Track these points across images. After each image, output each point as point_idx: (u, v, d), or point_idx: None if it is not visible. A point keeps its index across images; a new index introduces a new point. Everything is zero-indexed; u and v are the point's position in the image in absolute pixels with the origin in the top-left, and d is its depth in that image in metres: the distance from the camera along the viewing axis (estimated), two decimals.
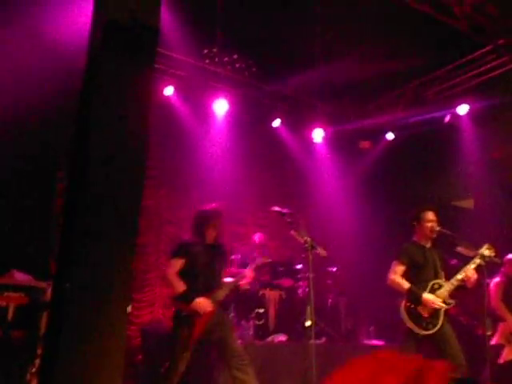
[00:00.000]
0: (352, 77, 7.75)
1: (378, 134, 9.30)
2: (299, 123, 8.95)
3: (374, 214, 8.77)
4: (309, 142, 9.23)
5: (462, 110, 7.78)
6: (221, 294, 4.50)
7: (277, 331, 6.42)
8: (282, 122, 8.68)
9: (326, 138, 9.27)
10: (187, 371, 4.40)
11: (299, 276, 7.19)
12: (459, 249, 4.85)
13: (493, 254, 4.78)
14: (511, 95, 7.00)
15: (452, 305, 4.74)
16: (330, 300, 7.49)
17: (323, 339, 6.83)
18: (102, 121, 2.87)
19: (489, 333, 4.60)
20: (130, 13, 2.95)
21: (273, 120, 8.62)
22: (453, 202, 8.70)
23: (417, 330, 4.65)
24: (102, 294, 2.65)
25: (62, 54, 5.24)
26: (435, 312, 4.67)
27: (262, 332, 6.35)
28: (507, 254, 6.12)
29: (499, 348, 5.78)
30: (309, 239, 4.24)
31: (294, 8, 6.52)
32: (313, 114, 8.91)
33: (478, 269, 4.74)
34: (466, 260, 4.84)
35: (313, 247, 4.24)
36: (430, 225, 4.95)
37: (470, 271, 4.70)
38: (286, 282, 7.04)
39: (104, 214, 2.76)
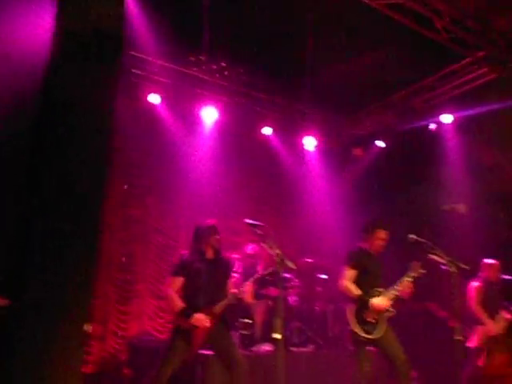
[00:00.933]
0: (342, 85, 7.82)
1: (369, 141, 9.39)
2: (290, 131, 8.98)
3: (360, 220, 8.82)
4: (300, 150, 9.31)
5: (448, 118, 7.90)
6: (220, 308, 4.61)
7: (263, 341, 6.44)
8: (273, 130, 8.70)
9: (317, 146, 9.36)
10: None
11: (287, 285, 7.26)
12: (432, 256, 4.93)
13: (416, 274, 4.94)
14: (496, 104, 7.10)
15: (392, 314, 4.93)
16: (317, 307, 7.57)
17: (310, 347, 6.94)
18: (61, 127, 2.92)
19: (459, 337, 4.69)
20: (91, 23, 2.98)
21: (264, 128, 8.64)
22: (443, 207, 8.82)
23: (360, 332, 4.86)
24: (56, 312, 2.62)
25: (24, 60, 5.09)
26: (380, 318, 4.88)
27: (248, 342, 6.38)
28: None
29: (479, 350, 5.96)
30: (279, 252, 4.27)
31: (284, 17, 6.57)
32: (304, 122, 8.93)
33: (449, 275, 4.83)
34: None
35: (283, 260, 4.26)
36: (378, 243, 5.13)
37: (405, 284, 4.91)
38: (274, 292, 7.03)
39: (62, 224, 2.75)
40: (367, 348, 4.99)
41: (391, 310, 4.92)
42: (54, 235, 2.73)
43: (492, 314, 6.02)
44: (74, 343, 2.66)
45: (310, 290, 7.92)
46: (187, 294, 4.60)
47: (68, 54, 2.93)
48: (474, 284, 6.19)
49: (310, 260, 7.98)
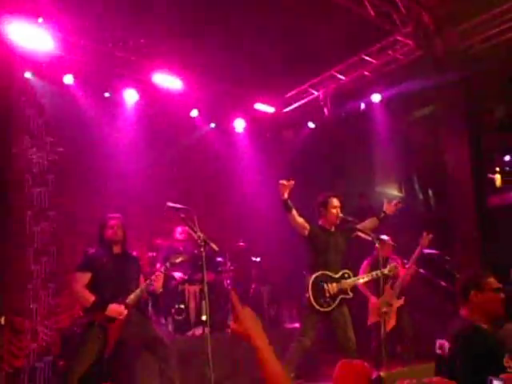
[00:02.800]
0: (270, 64, 7.64)
1: (300, 122, 9.34)
2: (218, 113, 8.79)
3: (296, 203, 8.78)
4: (229, 133, 9.15)
5: (377, 97, 7.94)
6: (133, 299, 4.57)
7: (198, 325, 6.31)
8: (200, 113, 8.45)
9: (247, 129, 9.22)
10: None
11: (220, 269, 7.16)
12: (359, 233, 5.14)
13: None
14: (421, 82, 7.18)
15: (349, 297, 5.04)
16: (251, 290, 7.54)
17: None
18: None
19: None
20: None
21: (190, 110, 8.36)
22: (376, 188, 8.93)
23: (313, 303, 4.89)
24: None
25: None
26: (336, 295, 4.95)
27: (183, 326, 6.32)
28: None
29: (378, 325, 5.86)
30: (202, 235, 4.30)
31: None
32: (233, 104, 8.73)
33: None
34: None
35: (206, 243, 4.31)
36: (335, 210, 5.15)
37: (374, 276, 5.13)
38: (209, 276, 6.92)
39: None
40: (316, 323, 5.00)
41: (350, 293, 5.03)
42: None
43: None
44: None
45: (245, 272, 7.89)
46: (96, 288, 4.51)
47: None
48: (367, 260, 6.31)
49: (242, 244, 7.90)
